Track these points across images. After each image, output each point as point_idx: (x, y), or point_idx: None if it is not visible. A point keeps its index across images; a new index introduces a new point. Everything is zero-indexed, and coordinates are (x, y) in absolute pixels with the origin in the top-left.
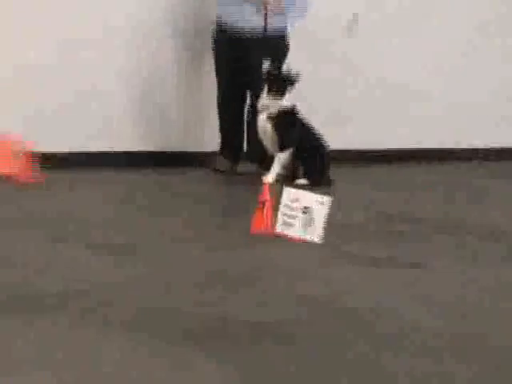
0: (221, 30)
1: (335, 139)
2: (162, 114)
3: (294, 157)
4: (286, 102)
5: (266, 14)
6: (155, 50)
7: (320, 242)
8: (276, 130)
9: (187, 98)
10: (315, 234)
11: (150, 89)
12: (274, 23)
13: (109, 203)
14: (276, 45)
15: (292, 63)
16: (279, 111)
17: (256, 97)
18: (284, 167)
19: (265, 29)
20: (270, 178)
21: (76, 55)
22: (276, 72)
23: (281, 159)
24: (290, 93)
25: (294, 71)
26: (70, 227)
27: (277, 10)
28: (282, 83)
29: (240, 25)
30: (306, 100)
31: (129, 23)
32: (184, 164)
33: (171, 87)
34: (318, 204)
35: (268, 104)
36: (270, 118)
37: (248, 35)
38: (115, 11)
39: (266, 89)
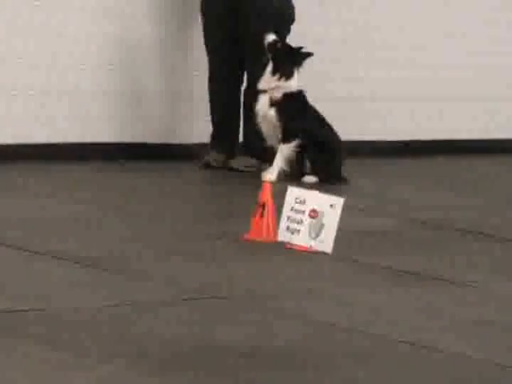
0: None
1: (349, 128)
2: (140, 98)
3: (301, 150)
4: (294, 84)
5: None
6: (131, 18)
7: (331, 253)
8: (280, 117)
9: (171, 78)
10: (326, 243)
11: (125, 67)
12: None
13: (78, 203)
14: (274, 9)
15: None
16: (285, 95)
17: (253, 74)
18: (288, 162)
19: None
20: (271, 175)
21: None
22: (283, 46)
23: (284, 152)
24: (299, 73)
25: (304, 48)
26: (27, 231)
27: None
28: (290, 61)
29: None
30: (317, 82)
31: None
32: (168, 158)
33: (151, 65)
34: (329, 206)
35: (271, 86)
36: (273, 102)
37: None
38: None
39: (270, 67)
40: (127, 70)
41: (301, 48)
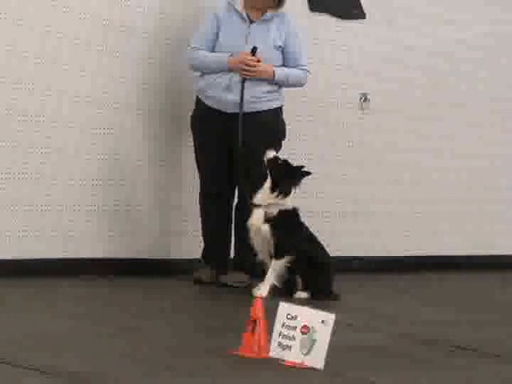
0: (203, 107)
1: (339, 244)
2: (130, 214)
3: (292, 266)
4: (290, 202)
5: (243, 82)
6: (120, 133)
7: (323, 369)
8: (274, 233)
9: (162, 197)
10: (317, 359)
11: (114, 183)
12: (256, 95)
13: (67, 319)
14: (267, 125)
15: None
16: (280, 212)
17: (245, 190)
18: (279, 278)
19: (241, 99)
20: (262, 290)
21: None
22: (283, 163)
23: (276, 268)
24: (295, 192)
25: (305, 168)
26: (20, 347)
27: (251, 74)
28: (289, 179)
29: (228, 98)
30: (307, 198)
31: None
32: (159, 274)
33: (141, 181)
34: (321, 322)
35: (268, 202)
36: (268, 218)
37: (234, 111)
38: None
39: (268, 183)
40: (117, 186)
41: (301, 167)
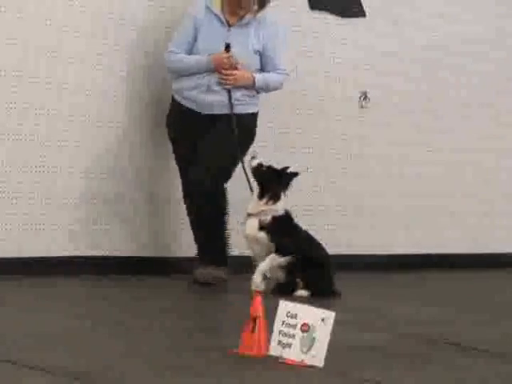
0: (178, 108)
1: (339, 241)
2: (131, 214)
3: (293, 268)
4: (281, 206)
5: (228, 90)
6: (115, 137)
7: (323, 367)
8: (272, 238)
9: (162, 196)
10: (317, 358)
11: (115, 184)
12: (236, 97)
13: (66, 318)
14: (243, 128)
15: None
16: (273, 218)
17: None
18: (273, 271)
19: (229, 99)
20: (255, 282)
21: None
22: (268, 170)
23: (273, 261)
24: (286, 195)
25: (291, 169)
26: (21, 346)
27: (230, 82)
28: (276, 184)
29: (206, 100)
30: (306, 194)
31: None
32: (159, 272)
33: (138, 176)
34: (321, 320)
35: (259, 210)
36: (262, 226)
37: (210, 112)
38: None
39: (256, 191)
40: (116, 183)
41: (286, 168)
